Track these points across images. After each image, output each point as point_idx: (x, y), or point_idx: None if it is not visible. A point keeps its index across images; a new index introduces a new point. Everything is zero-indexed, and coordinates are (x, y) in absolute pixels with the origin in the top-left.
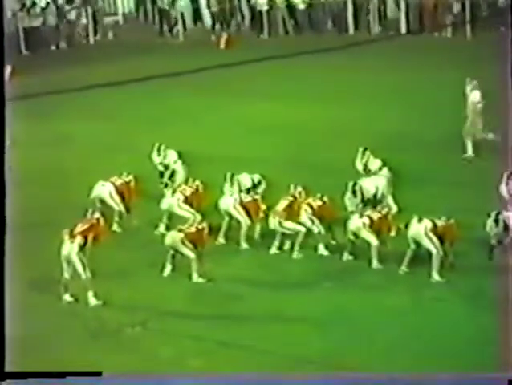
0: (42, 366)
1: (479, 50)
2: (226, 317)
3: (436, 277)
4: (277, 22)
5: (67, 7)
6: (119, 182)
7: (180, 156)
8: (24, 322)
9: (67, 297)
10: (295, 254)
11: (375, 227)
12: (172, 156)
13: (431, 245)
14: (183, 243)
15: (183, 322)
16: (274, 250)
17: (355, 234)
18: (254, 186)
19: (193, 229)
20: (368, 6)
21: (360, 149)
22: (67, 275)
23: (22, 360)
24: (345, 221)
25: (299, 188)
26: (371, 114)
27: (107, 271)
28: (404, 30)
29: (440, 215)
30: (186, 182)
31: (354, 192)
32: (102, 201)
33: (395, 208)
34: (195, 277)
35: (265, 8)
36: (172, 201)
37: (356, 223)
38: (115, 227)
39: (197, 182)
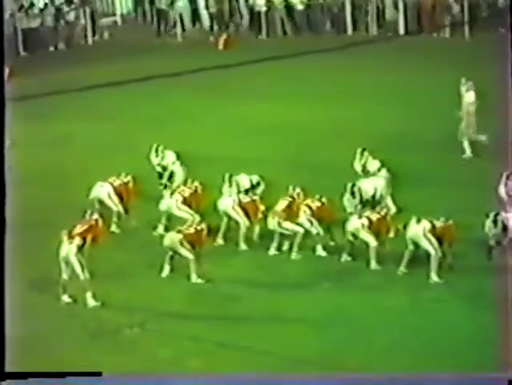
0: (41, 366)
1: (478, 51)
2: (225, 317)
3: (434, 277)
4: (275, 22)
5: (65, 8)
6: (117, 183)
7: (178, 156)
8: (24, 322)
9: (66, 298)
10: (294, 255)
11: (373, 228)
12: (170, 157)
13: (429, 245)
14: (182, 244)
15: (181, 322)
16: (272, 251)
17: (354, 235)
18: (253, 187)
19: (192, 230)
20: (367, 6)
21: (359, 150)
22: (65, 276)
23: (22, 360)
24: (344, 222)
25: (298, 190)
26: (370, 114)
27: (106, 272)
28: (402, 30)
29: (439, 216)
30: (185, 183)
31: (353, 193)
32: (100, 202)
33: (393, 209)
34: (194, 278)
35: (263, 9)
36: (170, 202)
37: (355, 224)
38: (113, 228)
39: (196, 183)
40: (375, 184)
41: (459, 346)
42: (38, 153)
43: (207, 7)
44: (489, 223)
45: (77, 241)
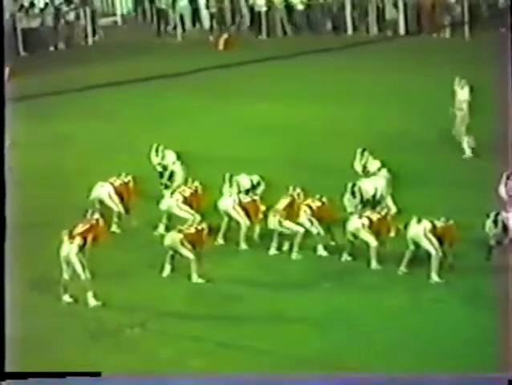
0: (42, 366)
1: (478, 51)
2: (225, 317)
3: (435, 277)
4: (275, 22)
5: (65, 8)
6: (118, 183)
7: (178, 156)
8: (24, 322)
9: (67, 298)
10: (294, 255)
11: (374, 228)
12: (170, 157)
13: (430, 245)
14: (182, 244)
15: (182, 322)
16: (273, 251)
17: (355, 235)
18: (253, 187)
19: (193, 230)
20: (367, 6)
21: (359, 150)
22: (66, 276)
23: (22, 360)
24: (344, 222)
25: (298, 190)
26: (370, 114)
27: (107, 272)
28: (402, 30)
29: (440, 216)
30: (185, 183)
31: (353, 193)
32: (101, 202)
33: (394, 209)
34: (194, 278)
35: (263, 9)
36: (171, 202)
37: (355, 224)
38: (114, 228)
39: (196, 183)
40: (375, 183)
41: (459, 346)
42: (38, 153)
43: (207, 7)
44: (489, 223)
45: (78, 240)
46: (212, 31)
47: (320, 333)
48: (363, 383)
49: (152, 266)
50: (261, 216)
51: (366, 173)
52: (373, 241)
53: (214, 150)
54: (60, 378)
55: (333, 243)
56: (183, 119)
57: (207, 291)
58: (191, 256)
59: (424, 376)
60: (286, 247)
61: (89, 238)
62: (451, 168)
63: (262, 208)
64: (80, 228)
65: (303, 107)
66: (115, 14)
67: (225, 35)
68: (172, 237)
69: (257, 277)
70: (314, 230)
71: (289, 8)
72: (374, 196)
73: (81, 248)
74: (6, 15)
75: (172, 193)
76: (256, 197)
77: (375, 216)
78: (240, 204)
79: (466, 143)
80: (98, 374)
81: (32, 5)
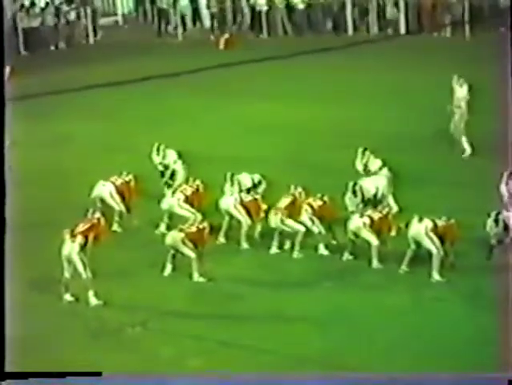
0: (42, 366)
1: (478, 51)
2: (227, 316)
3: (436, 276)
4: (276, 22)
5: (66, 7)
6: (119, 182)
7: (180, 155)
8: (24, 322)
9: (68, 297)
10: (296, 254)
11: (375, 227)
12: (171, 156)
13: (431, 244)
14: (183, 243)
15: (183, 321)
16: (274, 250)
17: (356, 234)
18: (255, 186)
19: (194, 229)
20: (367, 6)
21: (360, 149)
22: (67, 275)
23: (22, 360)
24: (345, 221)
25: (299, 189)
26: (370, 114)
27: (108, 271)
28: (403, 30)
29: (441, 215)
30: (186, 182)
31: (354, 192)
32: (102, 201)
33: (395, 208)
34: (195, 277)
35: (264, 8)
36: (172, 201)
37: (357, 223)
38: (115, 227)
39: (198, 182)
40: (376, 183)
41: (459, 346)
42: (38, 153)
43: (208, 7)
44: (490, 222)
45: (79, 239)
46: (213, 31)
47: (321, 332)
48: (363, 383)
49: (154, 265)
50: (262, 215)
51: (367, 172)
52: (374, 240)
53: (215, 149)
54: (60, 378)
55: (334, 242)
56: (184, 119)
57: (208, 290)
58: (192, 255)
59: (424, 376)
60: (287, 246)
61: (90, 237)
62: (452, 168)
63: (264, 206)
64: (81, 227)
65: (304, 107)
66: (115, 14)
67: (226, 35)
68: (174, 236)
69: (258, 276)
70: (315, 229)
71: (289, 7)
72: (375, 195)
73: (82, 247)
74: (8, 15)
75: (173, 192)
76: (257, 196)
77: (376, 215)
78: (241, 203)
79: (466, 142)
80: (98, 374)
81: (33, 4)
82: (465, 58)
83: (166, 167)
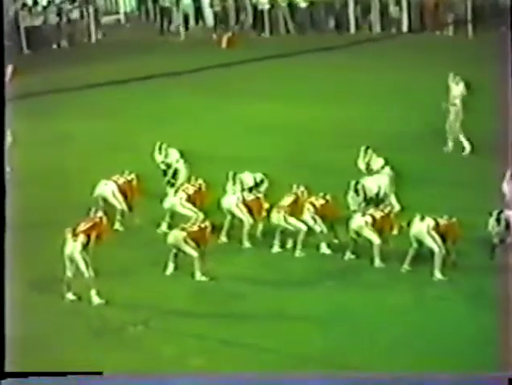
0: (43, 365)
1: (480, 50)
2: (229, 315)
3: (438, 275)
4: (278, 21)
5: (68, 6)
6: (121, 181)
7: (182, 154)
8: (24, 321)
9: (70, 296)
10: (298, 253)
11: (377, 226)
12: (174, 155)
13: (433, 243)
14: (186, 242)
15: (185, 320)
16: (276, 249)
17: (358, 233)
18: (257, 185)
19: (196, 228)
20: (370, 4)
21: (362, 148)
22: (69, 274)
23: (22, 360)
24: (347, 220)
25: (302, 188)
26: (372, 113)
27: (110, 270)
28: (405, 28)
29: (443, 214)
30: (189, 181)
31: (356, 191)
32: (104, 200)
33: (397, 207)
34: (198, 276)
35: (266, 7)
36: (174, 200)
37: (359, 222)
38: (117, 226)
39: (200, 181)
40: (378, 181)
41: (461, 345)
42: (40, 152)
43: (211, 5)
44: (492, 221)
45: (81, 238)
46: (215, 29)
47: (323, 331)
48: (365, 382)
49: (156, 264)
50: (264, 214)
51: (369, 171)
52: (376, 239)
53: (217, 148)
54: (61, 377)
55: (336, 241)
56: (186, 118)
57: (210, 289)
58: (194, 254)
59: (425, 375)
60: (289, 245)
61: (92, 236)
62: (453, 167)
63: (266, 205)
64: (84, 226)
65: (306, 106)
66: (118, 13)
67: (229, 33)
68: (176, 235)
69: (260, 275)
70: (317, 228)
71: (292, 6)
72: (377, 194)
73: (85, 246)
74: (10, 13)
75: (175, 191)
76: (259, 195)
77: (378, 214)
78: (243, 202)
79: (464, 139)
80: (100, 374)
81: (35, 3)
82: (468, 57)
83: (168, 166)
